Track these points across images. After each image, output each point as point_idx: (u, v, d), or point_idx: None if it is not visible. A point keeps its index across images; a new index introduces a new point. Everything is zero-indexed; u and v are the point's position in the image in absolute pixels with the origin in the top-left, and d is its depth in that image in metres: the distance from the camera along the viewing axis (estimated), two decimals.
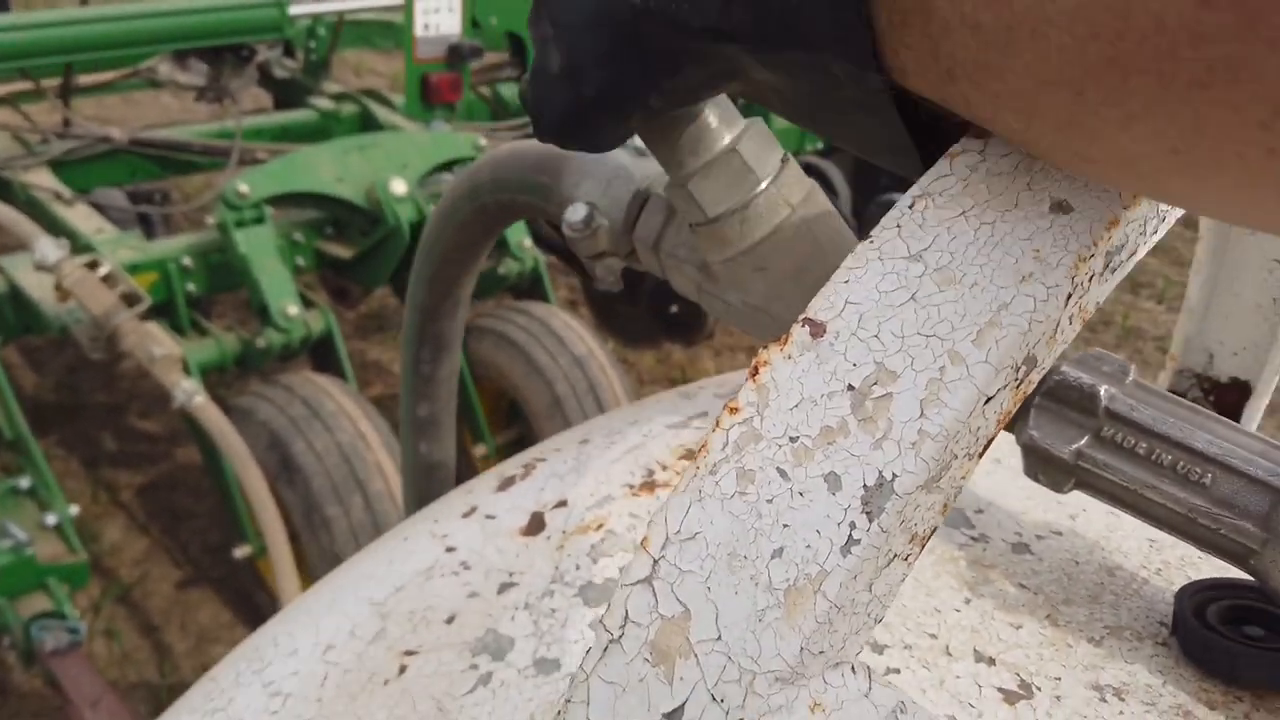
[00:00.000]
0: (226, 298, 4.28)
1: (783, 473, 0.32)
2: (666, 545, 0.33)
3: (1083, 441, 0.49)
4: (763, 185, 0.57)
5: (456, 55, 3.78)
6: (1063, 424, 0.50)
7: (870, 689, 0.31)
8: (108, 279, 2.63)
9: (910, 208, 0.35)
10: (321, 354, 3.18)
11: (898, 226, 0.35)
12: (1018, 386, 0.32)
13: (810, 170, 4.75)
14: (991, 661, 0.48)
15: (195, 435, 2.88)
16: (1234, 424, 0.48)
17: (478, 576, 0.55)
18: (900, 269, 0.33)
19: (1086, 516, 0.59)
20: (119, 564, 3.34)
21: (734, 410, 0.34)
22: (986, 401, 0.31)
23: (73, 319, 2.74)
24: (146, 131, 3.90)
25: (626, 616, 0.33)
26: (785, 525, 0.31)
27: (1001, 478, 0.61)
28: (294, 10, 4.03)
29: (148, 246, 3.09)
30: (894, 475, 0.30)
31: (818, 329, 0.34)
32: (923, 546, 0.32)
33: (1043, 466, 0.51)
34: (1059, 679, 0.48)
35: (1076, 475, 0.50)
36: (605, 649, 0.33)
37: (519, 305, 3.30)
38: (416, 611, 0.54)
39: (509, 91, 4.37)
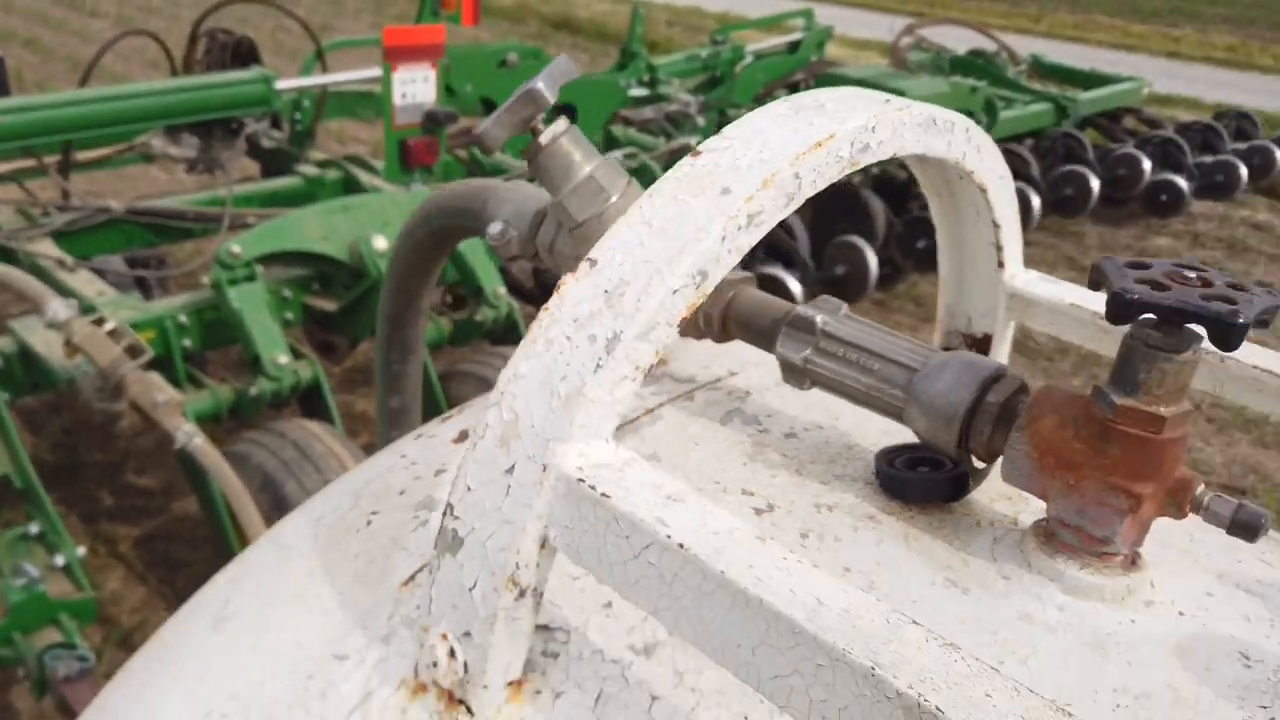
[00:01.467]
0: (218, 358, 4.52)
1: (568, 338, 0.58)
2: (508, 382, 0.59)
3: (808, 352, 0.76)
4: (613, 199, 0.84)
5: (433, 121, 4.08)
6: (797, 342, 0.76)
7: (615, 449, 0.57)
8: (113, 333, 2.88)
9: (649, 197, 0.62)
10: (310, 401, 3.41)
11: (640, 206, 0.61)
12: (697, 288, 0.59)
13: None
14: (751, 494, 0.74)
15: (191, 482, 3.09)
16: (893, 332, 0.74)
17: (422, 468, 0.81)
18: (638, 228, 0.60)
19: (848, 418, 0.86)
20: (120, 612, 3.50)
21: (546, 310, 0.60)
22: (674, 293, 0.58)
23: (79, 372, 2.98)
24: (142, 201, 4.17)
25: (487, 424, 0.59)
26: (568, 364, 0.57)
27: (793, 399, 0.88)
28: (280, 85, 4.35)
29: (146, 306, 3.34)
30: (620, 332, 0.57)
31: (593, 262, 0.60)
32: (643, 373, 0.58)
33: (788, 372, 0.78)
34: (794, 501, 0.74)
35: (809, 375, 0.77)
36: (475, 443, 0.59)
37: (496, 350, 3.55)
38: (379, 491, 0.79)
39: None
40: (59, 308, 2.86)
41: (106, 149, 4.50)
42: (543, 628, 0.65)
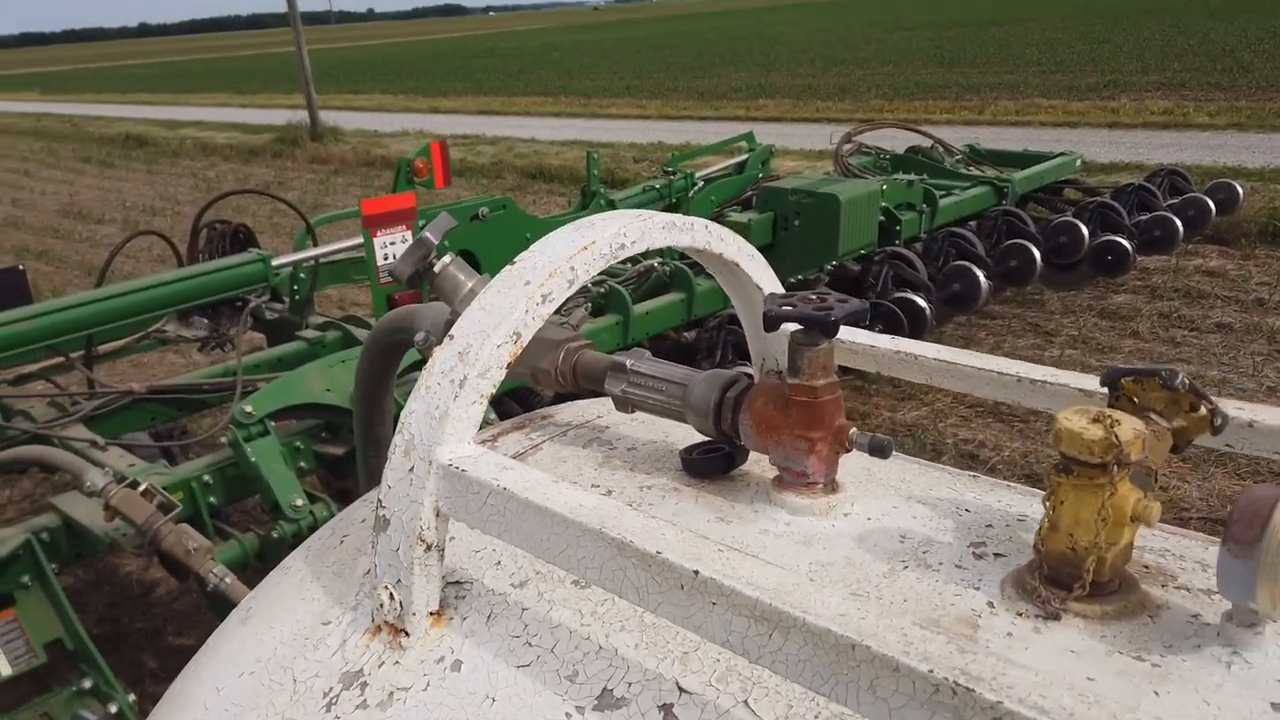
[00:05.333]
0: (240, 517, 4.87)
1: (438, 383, 0.95)
2: (406, 415, 0.95)
3: (625, 386, 1.12)
4: None
5: (415, 275, 4.52)
6: (616, 380, 1.13)
7: (473, 446, 0.93)
8: (145, 494, 3.24)
9: (484, 292, 1.00)
10: None
11: (479, 297, 0.99)
12: (514, 343, 0.96)
13: (734, 320, 5.56)
14: (598, 486, 1.09)
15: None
16: (674, 364, 1.11)
17: None
18: (475, 311, 0.98)
19: (674, 435, 1.21)
20: None
21: (426, 369, 0.97)
22: (499, 347, 0.95)
23: (119, 534, 3.34)
24: (160, 381, 4.59)
25: (396, 445, 0.95)
26: (438, 398, 0.94)
27: (639, 427, 1.23)
28: (277, 262, 4.84)
29: (173, 470, 3.71)
30: (467, 375, 0.93)
31: (451, 337, 0.98)
32: (486, 400, 0.94)
33: (617, 403, 1.14)
34: (626, 487, 1.08)
35: (629, 402, 1.13)
36: (390, 458, 0.95)
37: None
38: (349, 522, 1.15)
39: None
40: (96, 476, 3.23)
41: (125, 339, 4.96)
42: (454, 583, 1.00)
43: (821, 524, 0.99)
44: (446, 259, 1.20)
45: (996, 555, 0.93)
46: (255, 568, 4.16)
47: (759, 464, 1.11)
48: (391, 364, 1.48)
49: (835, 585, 0.89)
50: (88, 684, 3.20)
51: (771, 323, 0.94)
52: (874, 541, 0.96)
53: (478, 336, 0.95)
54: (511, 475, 0.87)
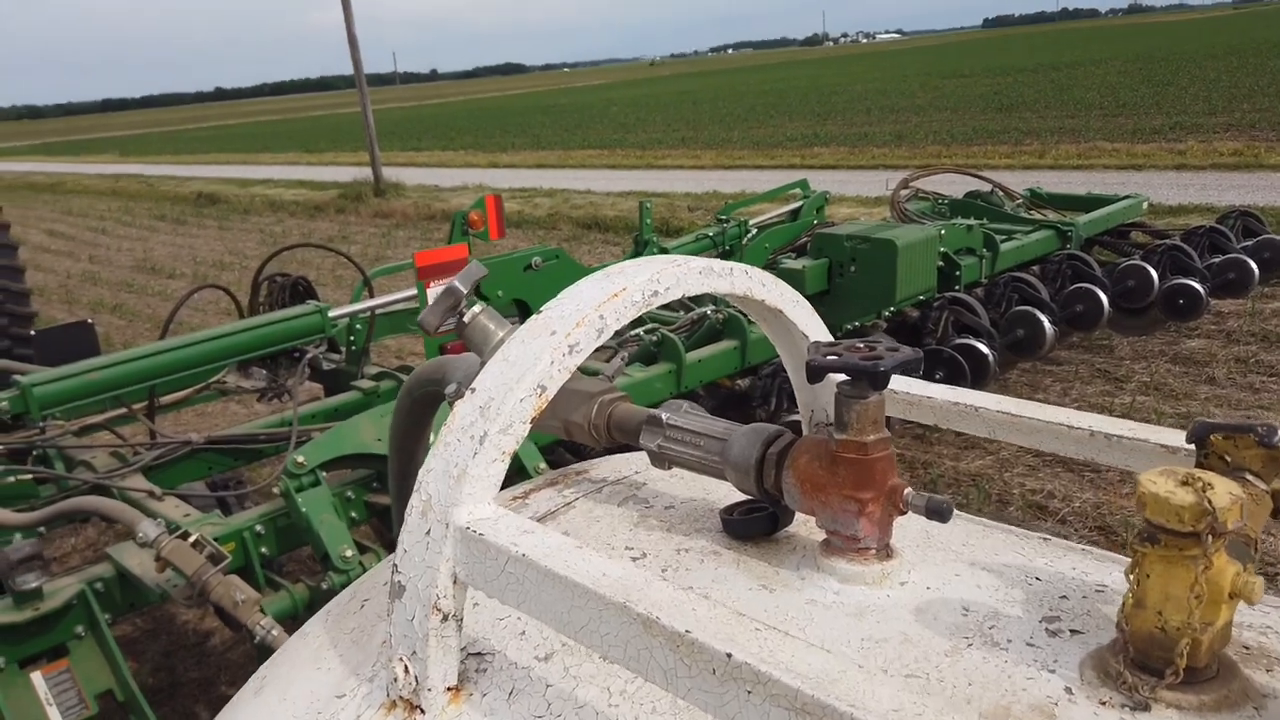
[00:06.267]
0: (294, 567, 4.87)
1: (458, 439, 0.89)
2: (425, 473, 0.89)
3: (660, 440, 1.05)
4: None
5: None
6: (652, 434, 1.05)
7: (493, 507, 0.86)
8: (196, 544, 3.24)
9: (508, 343, 0.94)
10: None
11: (503, 348, 0.93)
12: (539, 396, 0.89)
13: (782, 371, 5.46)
14: (631, 548, 1.01)
15: None
16: (715, 417, 1.03)
17: None
18: (499, 363, 0.92)
19: (715, 492, 1.13)
20: None
21: (447, 425, 0.91)
22: (521, 401, 0.88)
23: (170, 585, 3.33)
24: (219, 431, 4.64)
25: (413, 505, 0.89)
26: (457, 456, 0.88)
27: (677, 484, 1.16)
28: (334, 313, 4.88)
29: (226, 521, 3.72)
30: (487, 431, 0.87)
31: (473, 390, 0.92)
32: (509, 457, 0.88)
33: (652, 457, 1.06)
34: (661, 549, 1.01)
35: (665, 457, 1.05)
36: (406, 519, 0.89)
37: None
38: (370, 586, 1.08)
39: None
40: (148, 527, 3.24)
41: (187, 390, 5.02)
42: (475, 654, 0.93)
43: (875, 594, 0.90)
44: (477, 308, 1.15)
45: (1073, 632, 0.83)
46: (305, 619, 4.13)
47: (806, 525, 1.02)
48: (425, 417, 1.43)
49: (890, 667, 0.80)
50: None
51: (815, 373, 0.86)
52: (934, 614, 0.87)
53: (500, 389, 0.88)
54: (531, 540, 0.81)
